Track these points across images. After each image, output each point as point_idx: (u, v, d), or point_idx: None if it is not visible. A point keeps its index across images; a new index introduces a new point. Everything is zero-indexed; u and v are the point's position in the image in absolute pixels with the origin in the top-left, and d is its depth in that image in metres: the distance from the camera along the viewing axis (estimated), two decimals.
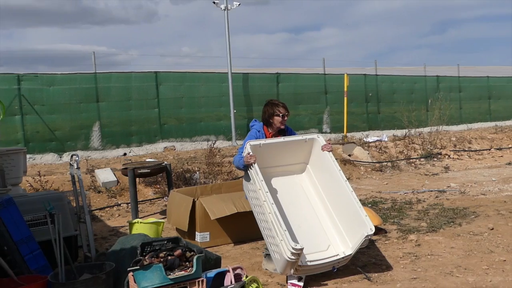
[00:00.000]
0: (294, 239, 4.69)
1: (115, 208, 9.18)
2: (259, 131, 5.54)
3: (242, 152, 5.25)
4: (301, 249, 4.57)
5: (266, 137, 5.52)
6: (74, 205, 5.71)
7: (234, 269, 4.32)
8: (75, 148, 13.49)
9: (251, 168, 5.06)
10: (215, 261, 4.71)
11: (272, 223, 4.73)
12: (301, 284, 4.76)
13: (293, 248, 4.51)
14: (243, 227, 6.40)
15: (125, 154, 14.03)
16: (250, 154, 5.07)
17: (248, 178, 5.21)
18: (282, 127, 5.53)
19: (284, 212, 5.20)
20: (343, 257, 4.99)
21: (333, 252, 5.09)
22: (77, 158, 5.39)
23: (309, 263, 4.78)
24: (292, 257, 4.54)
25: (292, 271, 4.73)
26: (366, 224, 4.94)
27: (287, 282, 4.84)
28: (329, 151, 5.45)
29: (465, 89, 21.46)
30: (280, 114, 5.43)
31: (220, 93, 15.94)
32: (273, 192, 5.31)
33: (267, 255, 5.34)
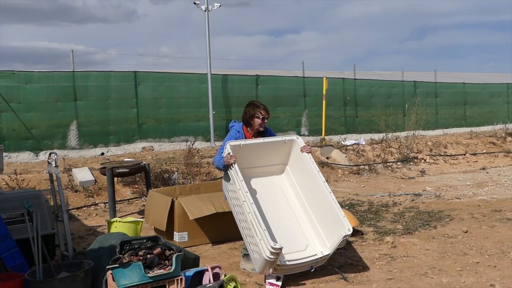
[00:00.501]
0: (273, 239, 4.73)
1: (92, 208, 9.12)
2: (238, 132, 5.58)
3: (222, 152, 5.28)
4: (280, 249, 4.61)
5: (245, 138, 5.56)
6: (52, 203, 5.67)
7: (212, 268, 4.35)
8: (52, 147, 13.35)
9: (231, 169, 5.09)
10: (194, 261, 4.73)
11: (252, 223, 4.77)
12: (279, 283, 4.80)
13: (272, 248, 4.55)
14: (222, 228, 6.42)
15: (102, 153, 13.93)
16: (231, 154, 5.10)
17: (227, 178, 5.23)
18: (261, 129, 5.59)
19: (263, 212, 5.24)
20: (321, 257, 5.05)
21: (311, 252, 5.14)
22: (55, 157, 5.35)
23: (287, 263, 4.83)
24: (272, 256, 4.58)
25: (270, 270, 4.76)
26: (344, 224, 5.00)
27: (265, 282, 4.88)
28: (308, 153, 5.51)
29: (441, 95, 21.76)
30: (260, 117, 5.49)
31: (199, 94, 15.91)
32: (252, 192, 5.34)
33: (245, 255, 5.38)
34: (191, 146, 11.88)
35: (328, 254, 5.06)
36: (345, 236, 4.96)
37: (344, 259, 5.62)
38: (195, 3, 16.09)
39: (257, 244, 4.69)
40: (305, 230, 5.40)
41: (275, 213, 5.37)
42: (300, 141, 5.62)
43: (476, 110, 22.85)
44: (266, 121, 5.57)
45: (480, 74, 31.23)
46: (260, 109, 5.51)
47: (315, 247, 5.24)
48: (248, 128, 5.62)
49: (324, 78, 15.16)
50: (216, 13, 16.48)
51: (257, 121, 5.50)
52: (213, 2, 16.16)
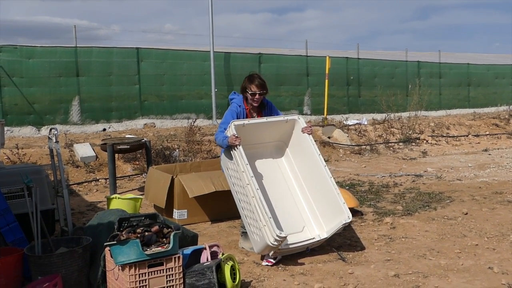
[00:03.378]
0: (277, 225, 4.76)
1: (93, 183, 9.14)
2: (240, 106, 5.45)
3: (224, 129, 5.19)
4: (285, 237, 4.65)
5: (246, 112, 5.47)
6: (52, 179, 5.67)
7: (210, 247, 4.35)
8: (54, 122, 13.36)
9: (235, 150, 5.04)
10: (192, 239, 4.73)
11: (256, 207, 4.76)
12: (274, 261, 4.86)
13: (277, 236, 4.59)
14: (221, 206, 6.43)
15: (104, 129, 13.93)
16: (236, 135, 5.03)
17: (229, 156, 5.18)
18: (255, 104, 5.45)
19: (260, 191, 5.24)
20: (318, 240, 5.07)
21: (308, 235, 5.16)
22: (56, 132, 5.33)
23: (285, 246, 4.85)
24: (275, 243, 4.62)
25: (270, 253, 4.82)
26: (344, 211, 5.01)
27: (262, 259, 4.92)
28: (309, 134, 5.46)
29: (445, 75, 21.63)
30: (250, 93, 5.38)
31: (202, 72, 15.85)
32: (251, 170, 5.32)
33: (244, 233, 5.39)
34: (192, 124, 11.87)
35: (326, 237, 5.08)
36: (344, 224, 4.98)
37: (342, 239, 5.63)
38: None
39: (260, 229, 4.71)
40: (302, 211, 5.40)
41: (272, 192, 5.35)
42: (301, 121, 5.56)
43: (480, 91, 22.72)
44: (259, 97, 5.42)
45: (485, 55, 30.97)
46: (252, 84, 5.37)
47: (312, 229, 5.25)
48: (247, 102, 5.52)
49: (327, 57, 15.06)
50: None
51: (249, 96, 5.40)
52: None
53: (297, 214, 5.36)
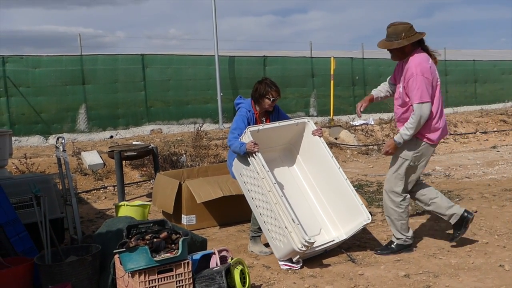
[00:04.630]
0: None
1: (101, 191, 9.17)
2: (249, 111, 5.39)
3: (238, 135, 5.13)
4: (313, 243, 4.65)
5: (255, 117, 5.43)
6: (61, 187, 5.70)
7: (219, 252, 4.35)
8: (61, 130, 13.42)
9: (253, 157, 4.96)
10: (201, 244, 4.74)
11: (279, 214, 4.73)
12: (297, 266, 4.86)
13: (306, 242, 4.58)
14: (229, 210, 6.44)
15: (111, 136, 13.98)
16: (254, 142, 4.95)
17: (245, 162, 5.08)
18: (270, 109, 5.44)
19: None
20: (337, 242, 5.05)
21: (326, 238, 5.13)
22: (63, 141, 5.36)
23: (309, 250, 4.80)
24: (303, 249, 4.61)
25: (294, 259, 4.81)
26: (362, 212, 4.98)
27: (281, 262, 4.90)
28: (320, 136, 5.44)
29: (451, 73, 21.54)
30: (271, 99, 5.32)
31: (207, 76, 15.87)
32: None
33: (253, 237, 5.39)
34: (199, 129, 11.89)
35: (345, 238, 5.06)
36: (364, 225, 4.97)
37: (352, 240, 5.60)
38: None
39: (286, 235, 4.68)
40: (317, 215, 5.37)
41: (287, 196, 5.30)
42: (311, 124, 5.54)
43: (486, 87, 22.60)
44: (275, 102, 5.42)
45: (491, 51, 30.88)
46: (272, 90, 5.31)
47: (329, 232, 5.22)
48: (257, 106, 5.44)
49: (332, 58, 15.05)
50: None
51: (267, 101, 5.36)
52: None
53: (313, 218, 5.33)
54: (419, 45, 4.88)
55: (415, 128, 4.78)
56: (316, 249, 4.94)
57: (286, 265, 4.88)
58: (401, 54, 4.87)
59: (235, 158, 5.25)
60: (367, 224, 5.00)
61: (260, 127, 5.21)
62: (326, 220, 5.35)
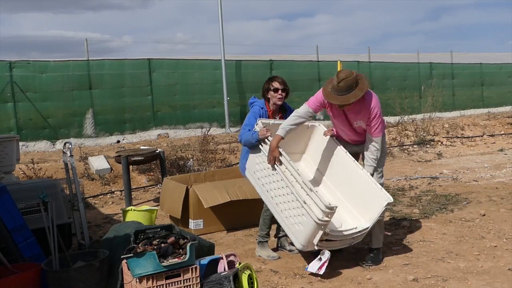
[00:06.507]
0: None
1: (108, 196, 9.19)
2: (262, 108, 5.39)
3: (248, 130, 5.16)
4: (334, 208, 4.47)
5: (268, 114, 5.44)
6: (68, 192, 5.71)
7: (227, 256, 4.34)
8: (68, 135, 13.46)
9: (265, 143, 4.97)
10: (209, 248, 4.73)
11: (297, 192, 4.61)
12: (320, 271, 4.70)
13: (326, 207, 4.40)
14: (237, 214, 6.44)
15: (118, 141, 14.01)
16: (266, 128, 5.00)
17: (258, 154, 5.09)
18: (279, 102, 5.39)
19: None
20: (360, 231, 4.85)
21: (350, 225, 4.99)
22: (70, 146, 5.37)
23: (332, 233, 4.69)
24: (325, 219, 4.43)
25: (315, 242, 4.58)
26: (382, 195, 4.88)
27: (307, 269, 4.80)
28: (332, 136, 5.44)
29: (458, 76, 21.49)
30: (273, 88, 5.33)
31: (213, 80, 15.90)
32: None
33: (260, 242, 5.38)
34: (206, 133, 11.90)
35: (368, 227, 4.86)
36: (386, 206, 4.84)
37: (360, 244, 5.57)
38: None
39: (303, 214, 4.54)
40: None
41: None
42: (321, 127, 5.59)
43: (493, 90, 22.53)
44: (282, 94, 5.38)
45: (498, 54, 30.72)
46: (274, 80, 5.37)
47: (348, 224, 5.07)
48: (269, 105, 5.47)
49: (339, 61, 15.05)
50: None
51: (272, 93, 5.36)
52: None
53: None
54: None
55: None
56: (344, 233, 4.76)
57: (318, 269, 4.67)
58: (349, 105, 4.98)
59: (248, 160, 5.24)
60: (390, 203, 4.86)
61: (272, 121, 5.25)
62: (345, 214, 5.19)
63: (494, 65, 23.18)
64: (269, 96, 5.40)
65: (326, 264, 4.68)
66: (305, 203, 4.56)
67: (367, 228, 4.88)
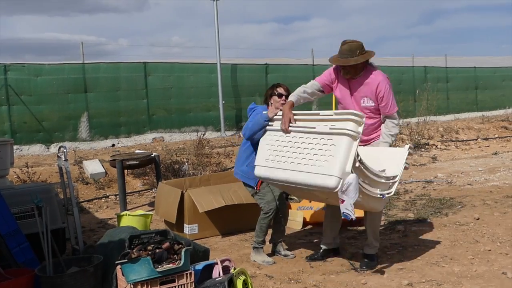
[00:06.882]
0: None
1: (103, 200, 9.16)
2: (265, 111, 5.40)
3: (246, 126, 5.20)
4: (364, 116, 4.41)
5: None
6: (62, 197, 5.69)
7: (222, 261, 4.34)
8: (63, 139, 13.45)
9: (278, 115, 4.94)
10: (204, 253, 4.73)
11: (321, 130, 4.48)
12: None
13: (355, 115, 4.33)
14: (232, 219, 6.43)
15: (113, 145, 13.99)
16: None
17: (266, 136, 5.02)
18: (281, 108, 5.42)
19: None
20: (391, 177, 4.71)
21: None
22: (65, 150, 5.36)
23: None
24: (359, 130, 4.31)
25: (349, 167, 4.31)
26: (399, 149, 4.93)
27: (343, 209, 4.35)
28: None
29: (452, 80, 21.57)
30: (277, 93, 5.32)
31: (209, 84, 15.91)
32: None
33: (256, 248, 5.38)
34: (201, 137, 11.89)
35: (398, 175, 4.72)
36: (409, 148, 4.87)
37: (354, 249, 5.61)
38: None
39: (333, 143, 4.36)
40: None
41: None
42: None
43: (487, 94, 22.63)
44: (286, 100, 5.26)
45: (492, 58, 30.89)
46: (278, 87, 5.40)
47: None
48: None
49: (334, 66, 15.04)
50: (226, 1, 16.45)
51: (276, 98, 5.34)
52: None
53: None
54: (367, 63, 5.09)
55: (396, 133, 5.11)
56: (373, 181, 4.56)
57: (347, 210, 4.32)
58: (354, 71, 5.00)
59: (257, 156, 5.06)
60: (410, 149, 4.82)
61: (280, 111, 5.08)
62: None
63: (488, 68, 23.29)
64: (271, 102, 5.38)
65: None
66: (332, 129, 4.39)
67: (397, 175, 4.73)
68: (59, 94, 13.68)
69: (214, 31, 15.85)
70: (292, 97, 5.06)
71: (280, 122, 4.86)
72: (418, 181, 9.50)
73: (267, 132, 5.03)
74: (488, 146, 14.40)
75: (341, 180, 4.27)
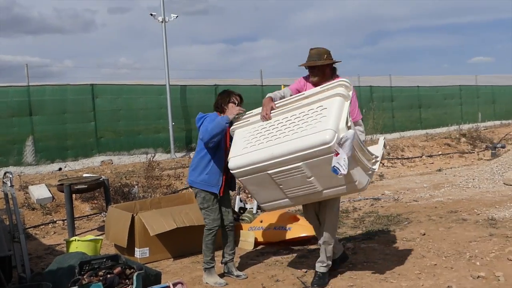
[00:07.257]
0: None
1: (50, 226, 8.95)
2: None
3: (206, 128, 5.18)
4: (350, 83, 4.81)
5: None
6: (8, 223, 5.55)
7: (174, 285, 4.32)
8: (7, 163, 13.08)
9: (240, 114, 5.23)
10: (155, 277, 4.70)
11: (307, 102, 4.77)
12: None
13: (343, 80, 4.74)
14: (183, 242, 6.40)
15: (60, 169, 13.70)
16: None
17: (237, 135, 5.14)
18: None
19: None
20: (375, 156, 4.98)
21: None
22: (10, 176, 5.25)
23: None
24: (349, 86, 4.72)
25: (343, 124, 4.46)
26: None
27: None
28: None
29: (397, 99, 22.21)
30: (236, 102, 5.40)
31: (158, 106, 15.87)
32: None
33: (207, 269, 5.37)
34: (151, 159, 11.80)
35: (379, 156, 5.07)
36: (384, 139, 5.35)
37: (305, 267, 5.67)
38: (151, 15, 16.04)
39: (324, 107, 4.59)
40: None
41: None
42: None
43: (430, 112, 23.42)
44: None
45: (434, 77, 32.01)
46: (235, 94, 5.50)
47: None
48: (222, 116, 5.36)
49: (282, 86, 15.21)
50: (174, 22, 16.45)
51: (233, 105, 5.38)
52: (170, 13, 16.19)
53: None
54: (335, 72, 5.35)
55: None
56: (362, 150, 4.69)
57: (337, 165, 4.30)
58: (322, 74, 5.23)
59: (230, 154, 5.01)
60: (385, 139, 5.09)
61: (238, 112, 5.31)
62: None
63: (431, 87, 24.13)
64: (226, 108, 5.39)
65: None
66: (323, 89, 4.74)
67: (378, 156, 5.04)
68: (3, 118, 13.38)
69: (163, 52, 15.88)
70: (270, 94, 5.27)
71: (255, 117, 5.08)
72: (366, 199, 9.70)
73: (242, 129, 5.13)
74: (432, 163, 14.86)
75: (336, 134, 4.30)
